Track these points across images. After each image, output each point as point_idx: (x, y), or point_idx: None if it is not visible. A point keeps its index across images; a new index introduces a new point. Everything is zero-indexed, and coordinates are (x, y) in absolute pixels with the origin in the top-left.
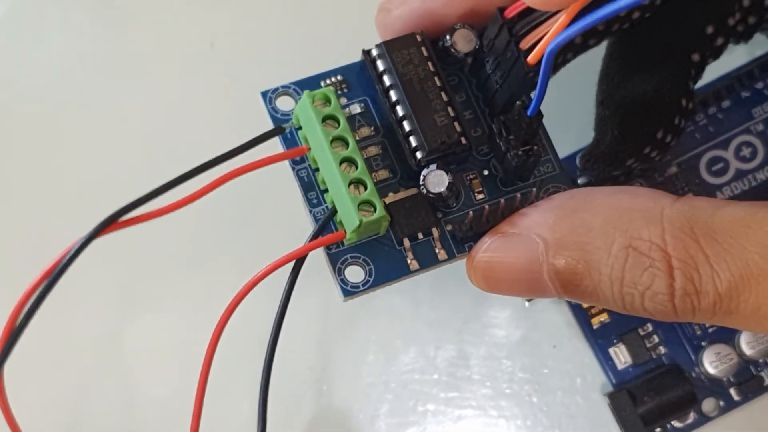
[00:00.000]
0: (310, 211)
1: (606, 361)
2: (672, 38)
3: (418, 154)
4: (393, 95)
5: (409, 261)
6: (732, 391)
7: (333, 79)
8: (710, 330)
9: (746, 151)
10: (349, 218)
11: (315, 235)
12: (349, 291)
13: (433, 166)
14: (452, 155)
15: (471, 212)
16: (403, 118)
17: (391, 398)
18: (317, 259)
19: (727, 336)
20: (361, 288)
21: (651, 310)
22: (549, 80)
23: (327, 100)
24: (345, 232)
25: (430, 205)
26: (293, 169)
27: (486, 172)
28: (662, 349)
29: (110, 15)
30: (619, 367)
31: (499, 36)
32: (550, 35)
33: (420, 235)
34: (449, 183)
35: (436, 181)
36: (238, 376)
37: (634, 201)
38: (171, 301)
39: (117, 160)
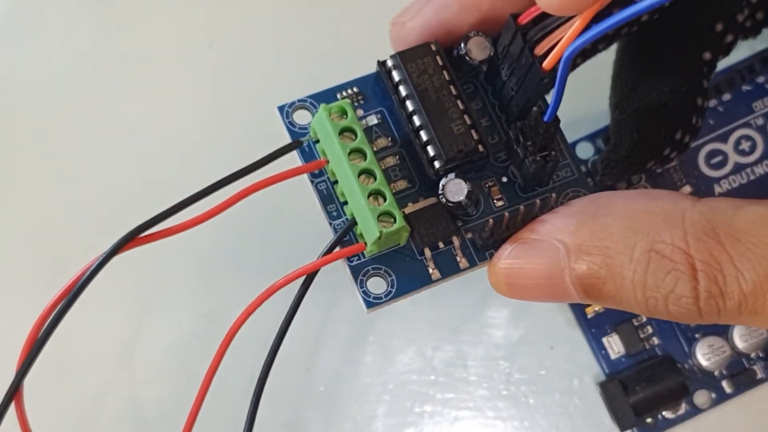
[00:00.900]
0: (331, 224)
1: (599, 351)
2: (683, 38)
3: (436, 164)
4: (409, 105)
5: (430, 270)
6: (724, 384)
7: (349, 91)
8: None
9: (745, 145)
10: (369, 230)
11: (330, 248)
12: (372, 303)
13: (451, 175)
14: (470, 163)
15: (491, 220)
16: (420, 127)
17: (389, 399)
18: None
19: (720, 329)
20: (384, 299)
21: (675, 313)
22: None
23: (343, 113)
24: (365, 244)
25: (450, 214)
26: (312, 182)
27: (504, 179)
28: (656, 340)
29: (109, 15)
30: (612, 356)
31: (514, 42)
32: (566, 41)
33: (440, 244)
34: (468, 191)
35: (455, 190)
36: (239, 377)
37: (655, 204)
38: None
39: (115, 160)
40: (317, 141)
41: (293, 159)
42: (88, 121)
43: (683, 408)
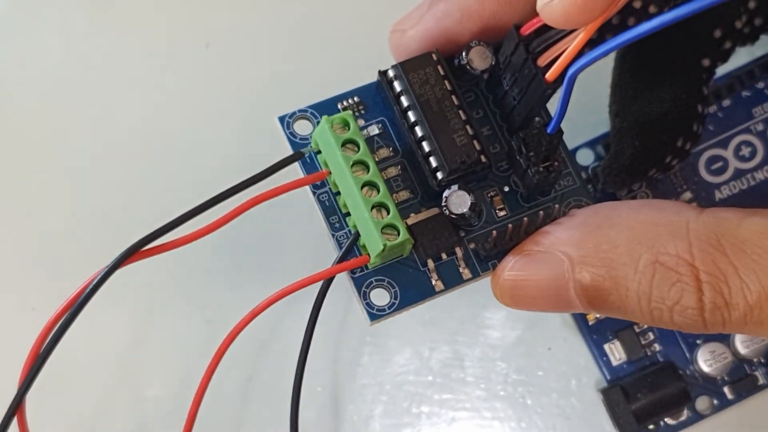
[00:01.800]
0: (333, 235)
1: (601, 357)
2: (681, 45)
3: (439, 175)
4: (411, 116)
5: (433, 282)
6: (726, 390)
7: (350, 101)
8: None
9: (745, 151)
10: (373, 242)
11: (339, 260)
12: (376, 315)
13: (454, 187)
14: (472, 174)
15: (494, 231)
16: (422, 138)
17: (386, 399)
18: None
19: (722, 335)
20: (387, 311)
21: (680, 324)
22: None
23: (346, 125)
24: (369, 256)
25: (453, 225)
26: (314, 193)
27: (506, 189)
28: (657, 347)
29: (106, 15)
30: (614, 363)
31: (516, 53)
32: (569, 53)
33: (443, 255)
34: (472, 203)
35: (459, 202)
36: (236, 377)
37: (659, 215)
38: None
39: (112, 160)
40: (318, 152)
41: (294, 169)
42: (84, 121)
43: (685, 414)
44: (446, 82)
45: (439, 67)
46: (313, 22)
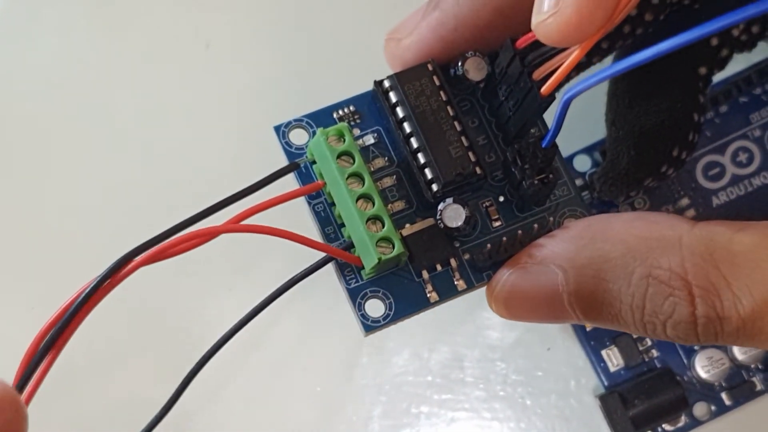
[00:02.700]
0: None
1: (598, 363)
2: (678, 53)
3: (434, 187)
4: (406, 127)
5: (428, 293)
6: (723, 396)
7: (345, 110)
8: None
9: (743, 157)
10: (368, 255)
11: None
12: (370, 326)
13: (449, 200)
14: (467, 185)
15: (488, 245)
16: (417, 150)
17: (385, 400)
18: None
19: None
20: (382, 322)
21: (674, 336)
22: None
23: (341, 136)
24: (362, 264)
25: (447, 236)
26: (309, 204)
27: (501, 198)
28: (654, 353)
29: (106, 15)
30: (612, 369)
31: (512, 65)
32: (564, 69)
33: (438, 266)
34: (467, 217)
35: (454, 215)
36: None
37: (652, 229)
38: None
39: (110, 160)
40: (314, 162)
41: (289, 179)
42: (83, 121)
43: (683, 420)
44: (442, 93)
45: (435, 78)
46: (312, 26)
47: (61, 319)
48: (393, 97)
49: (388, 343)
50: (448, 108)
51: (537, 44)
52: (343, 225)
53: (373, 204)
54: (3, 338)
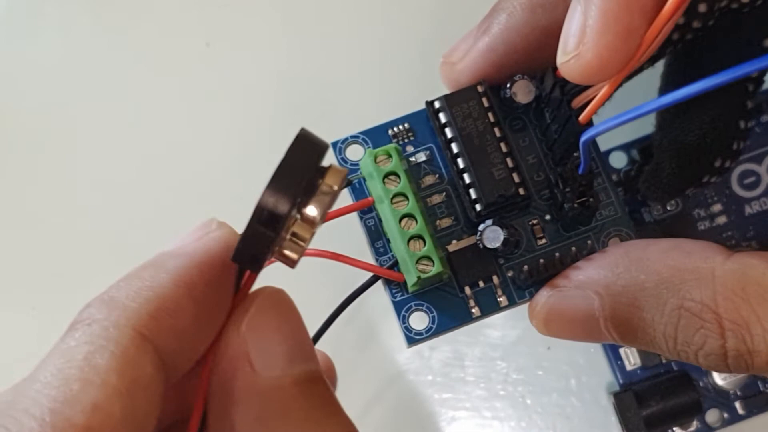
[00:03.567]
0: (377, 260)
1: (615, 361)
2: (730, 58)
3: (477, 207)
4: (454, 147)
5: (471, 308)
6: (737, 405)
7: (400, 128)
8: None
9: None
10: (409, 273)
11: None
12: (414, 338)
13: (489, 221)
14: (513, 205)
15: (526, 266)
16: (463, 170)
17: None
18: (319, 265)
19: None
20: (425, 335)
21: (705, 365)
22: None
23: (389, 156)
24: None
25: (491, 254)
26: (361, 218)
27: (548, 217)
28: None
29: (108, 14)
30: (628, 368)
31: (554, 92)
32: (598, 100)
33: (481, 282)
34: (504, 239)
35: (492, 237)
36: None
37: (686, 261)
38: None
39: (111, 160)
40: (365, 179)
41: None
42: (84, 120)
43: (694, 425)
44: (490, 115)
45: (484, 99)
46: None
47: None
48: (442, 117)
49: (390, 341)
50: (495, 129)
51: None
52: (390, 240)
53: (416, 222)
54: (4, 338)
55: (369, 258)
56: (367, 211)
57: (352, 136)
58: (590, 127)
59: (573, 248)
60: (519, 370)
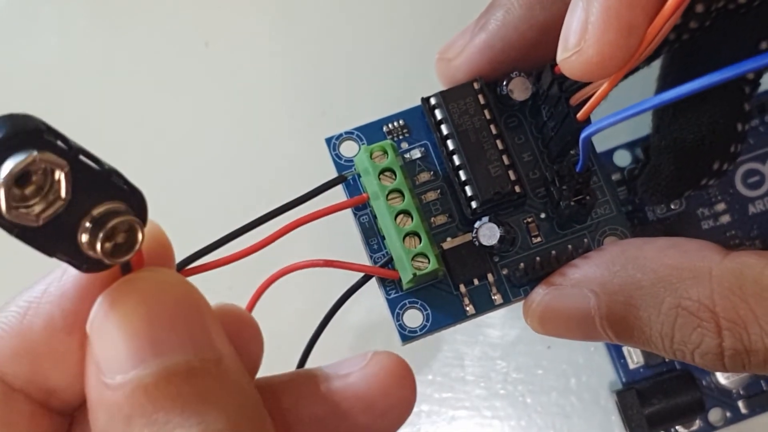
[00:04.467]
0: (371, 257)
1: (618, 359)
2: (726, 59)
3: (473, 204)
4: (449, 144)
5: (465, 306)
6: (740, 404)
7: (395, 124)
8: None
9: None
10: (404, 269)
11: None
12: (408, 336)
13: (485, 219)
14: (508, 202)
15: (522, 264)
16: (459, 167)
17: None
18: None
19: None
20: (419, 333)
21: (701, 364)
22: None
23: (385, 153)
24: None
25: (485, 252)
26: (355, 215)
27: (543, 215)
28: None
29: (106, 14)
30: (631, 366)
31: (551, 89)
32: (597, 97)
33: (475, 280)
34: (500, 236)
35: (488, 234)
36: None
37: (683, 259)
38: None
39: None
40: (360, 175)
41: (337, 189)
42: (83, 120)
43: (697, 424)
44: (486, 112)
45: (480, 96)
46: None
47: None
48: (438, 114)
49: (390, 341)
50: (491, 127)
51: None
52: (385, 237)
53: (412, 219)
54: None
55: (362, 254)
56: (361, 208)
57: (346, 132)
58: (588, 124)
59: (569, 246)
60: (519, 369)
